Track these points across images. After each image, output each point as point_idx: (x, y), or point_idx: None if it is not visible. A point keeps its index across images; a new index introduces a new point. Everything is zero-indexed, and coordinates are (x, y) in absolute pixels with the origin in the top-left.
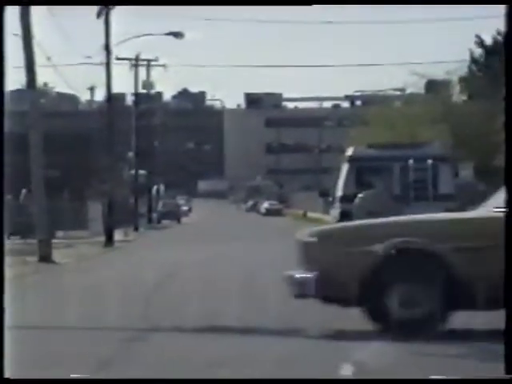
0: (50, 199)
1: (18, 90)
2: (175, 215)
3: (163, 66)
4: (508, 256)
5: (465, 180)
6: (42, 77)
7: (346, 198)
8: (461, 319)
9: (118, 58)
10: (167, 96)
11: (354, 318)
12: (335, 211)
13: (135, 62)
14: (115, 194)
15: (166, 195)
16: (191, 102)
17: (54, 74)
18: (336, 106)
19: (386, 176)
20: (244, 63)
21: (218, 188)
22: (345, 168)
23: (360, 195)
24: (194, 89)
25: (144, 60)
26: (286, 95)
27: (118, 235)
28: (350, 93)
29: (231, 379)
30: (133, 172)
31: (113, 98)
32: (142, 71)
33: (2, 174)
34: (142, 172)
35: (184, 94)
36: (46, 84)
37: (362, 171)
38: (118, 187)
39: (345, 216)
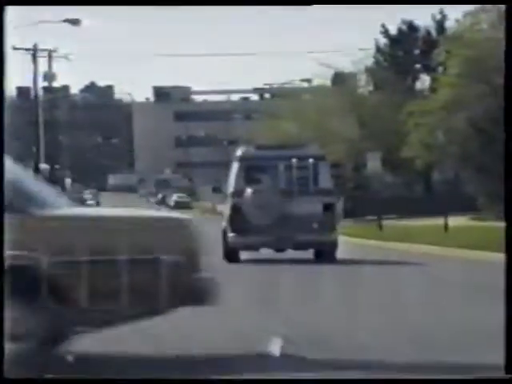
0: None
1: None
2: None
3: (65, 57)
4: (508, 256)
5: (373, 170)
6: None
7: (237, 194)
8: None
9: (15, 48)
10: (74, 90)
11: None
12: (227, 206)
13: (33, 52)
14: None
15: (71, 189)
16: (99, 96)
17: None
18: (245, 99)
19: (272, 173)
20: (151, 55)
21: (128, 182)
22: (235, 166)
23: (249, 190)
24: (101, 83)
25: (43, 50)
26: (194, 88)
27: None
28: (258, 86)
29: (231, 379)
30: (43, 166)
31: (18, 92)
32: (45, 63)
33: (2, 172)
34: (44, 166)
35: (91, 87)
36: None
37: (251, 169)
38: None
39: (236, 210)
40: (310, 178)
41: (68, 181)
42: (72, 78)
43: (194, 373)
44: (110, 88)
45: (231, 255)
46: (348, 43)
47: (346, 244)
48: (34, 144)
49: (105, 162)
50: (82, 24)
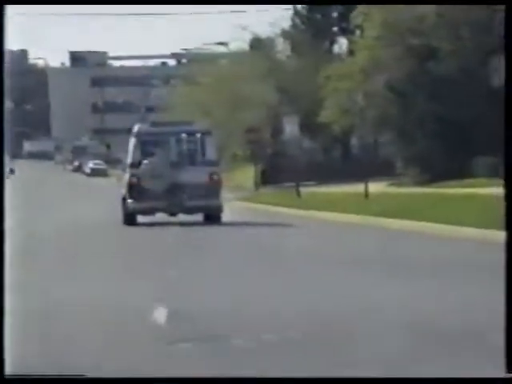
0: None
1: None
2: None
3: None
4: (508, 256)
5: (291, 135)
6: None
7: (134, 165)
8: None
9: None
10: None
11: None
12: (126, 175)
13: None
14: None
15: None
16: (12, 61)
17: None
18: (163, 64)
19: (165, 147)
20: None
21: (45, 149)
22: (132, 141)
23: (145, 161)
24: (14, 46)
25: None
26: (111, 53)
27: None
28: (176, 51)
29: (231, 378)
30: None
31: None
32: None
33: (2, 170)
34: None
35: (5, 52)
36: None
37: (146, 144)
38: None
39: (133, 179)
40: (197, 150)
41: None
42: None
43: None
44: (23, 52)
45: (129, 219)
46: (265, 5)
47: (265, 213)
48: None
49: (20, 128)
50: None
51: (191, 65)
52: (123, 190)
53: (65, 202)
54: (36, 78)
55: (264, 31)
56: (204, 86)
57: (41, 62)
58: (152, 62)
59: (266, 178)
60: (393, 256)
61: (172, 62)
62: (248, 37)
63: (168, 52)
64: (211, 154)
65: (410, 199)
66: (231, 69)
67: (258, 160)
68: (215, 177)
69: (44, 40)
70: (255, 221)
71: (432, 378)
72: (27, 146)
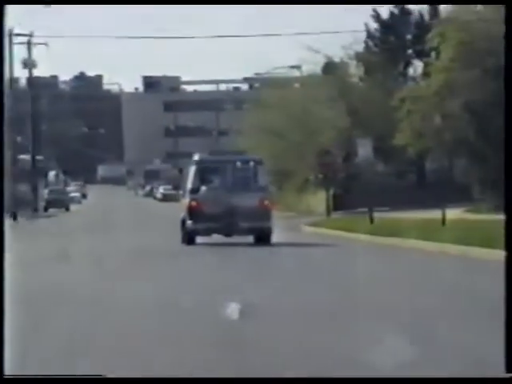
0: None
1: None
2: (63, 203)
3: (44, 44)
4: (508, 256)
5: (364, 158)
6: None
7: (194, 190)
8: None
9: None
10: (64, 79)
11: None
12: (186, 200)
13: (8, 37)
14: None
15: (55, 181)
16: (88, 86)
17: None
18: (235, 89)
19: (221, 175)
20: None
21: (117, 173)
22: (192, 169)
23: (203, 187)
24: (90, 72)
25: (19, 35)
26: (184, 78)
27: None
28: (248, 75)
29: (231, 379)
30: (22, 157)
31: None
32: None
33: (1, 172)
34: (24, 157)
35: (80, 78)
36: None
37: (204, 171)
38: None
39: (193, 203)
40: (250, 178)
41: (52, 173)
42: (60, 67)
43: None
44: (99, 78)
45: (188, 239)
46: (338, 27)
47: (337, 239)
48: (18, 135)
49: (94, 153)
50: (62, 9)
51: (263, 89)
52: (183, 213)
53: (131, 228)
54: (110, 103)
55: (336, 54)
56: (276, 110)
57: (115, 87)
58: (224, 87)
59: (338, 203)
60: (483, 289)
61: (244, 87)
62: (320, 59)
63: (240, 76)
64: (262, 181)
65: (489, 226)
66: (303, 92)
67: (330, 184)
68: (265, 202)
69: (119, 65)
70: (326, 247)
71: (432, 378)
72: (100, 171)
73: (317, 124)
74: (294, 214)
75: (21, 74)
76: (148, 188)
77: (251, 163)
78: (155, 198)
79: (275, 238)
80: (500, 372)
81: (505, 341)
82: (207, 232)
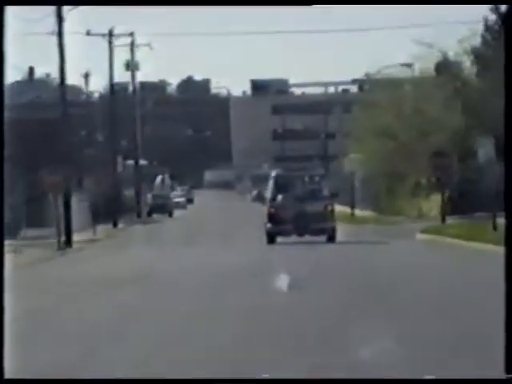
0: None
1: (17, 82)
2: (166, 208)
3: (148, 45)
4: (508, 255)
5: (485, 159)
6: (44, 68)
7: (272, 199)
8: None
9: (89, 34)
10: (173, 85)
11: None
12: (266, 207)
13: (109, 38)
14: (101, 186)
15: (161, 186)
16: (196, 90)
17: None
18: (344, 91)
19: (294, 186)
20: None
21: (225, 178)
22: (270, 182)
23: (279, 196)
24: (198, 76)
25: (120, 35)
26: (292, 81)
27: (86, 234)
28: (357, 76)
29: (231, 379)
30: (129, 162)
31: (115, 87)
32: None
33: (1, 173)
34: (129, 162)
35: (188, 82)
36: (48, 75)
37: (280, 184)
38: (105, 179)
39: (271, 209)
40: (315, 188)
41: (159, 178)
42: (164, 70)
43: None
44: (206, 82)
45: (269, 239)
46: (452, 20)
47: (457, 248)
48: (127, 139)
49: (201, 157)
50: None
51: (373, 90)
52: (265, 218)
53: (230, 235)
54: (218, 107)
55: (450, 49)
56: (386, 110)
57: (223, 91)
58: (332, 89)
59: (454, 208)
60: None
61: (353, 88)
62: (433, 55)
63: (349, 78)
64: (326, 191)
65: None
66: (415, 92)
67: (445, 187)
68: (329, 207)
69: (226, 68)
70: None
71: (432, 378)
72: (208, 176)
73: (430, 124)
74: (404, 219)
75: (127, 77)
76: (255, 192)
77: (316, 177)
78: (263, 202)
79: (390, 248)
80: (499, 373)
81: (505, 342)
82: (282, 233)
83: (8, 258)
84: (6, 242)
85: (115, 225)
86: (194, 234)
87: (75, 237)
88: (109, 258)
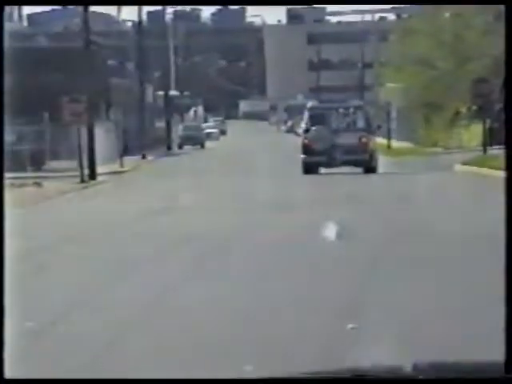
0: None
1: (53, 10)
2: (197, 139)
3: None
4: (508, 255)
5: None
6: None
7: (306, 131)
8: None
9: None
10: (206, 13)
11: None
12: (301, 138)
13: None
14: (129, 116)
15: (194, 117)
16: (231, 19)
17: None
18: (381, 19)
19: (328, 118)
20: None
21: (260, 108)
22: (305, 114)
23: (312, 128)
24: (233, 5)
25: None
26: (328, 9)
27: (112, 166)
28: (396, 4)
29: (231, 379)
30: (160, 93)
31: (149, 16)
32: None
33: (2, 171)
34: (174, 93)
35: (223, 11)
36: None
37: (315, 116)
38: (134, 109)
39: (305, 141)
40: (351, 120)
41: (192, 109)
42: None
43: None
44: (241, 10)
45: (305, 170)
46: None
47: (500, 181)
48: (157, 71)
49: (236, 88)
50: None
51: (411, 18)
52: (300, 150)
53: (259, 166)
54: (252, 36)
55: None
56: (424, 38)
57: (257, 20)
58: (370, 17)
59: (495, 138)
60: None
61: (391, 17)
62: None
63: (388, 6)
64: (361, 123)
65: None
66: (455, 19)
67: (486, 116)
68: (363, 139)
69: None
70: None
71: (432, 378)
72: (242, 106)
73: (470, 51)
74: (443, 150)
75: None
76: (290, 123)
77: (351, 109)
78: (296, 133)
79: (425, 178)
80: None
81: (505, 341)
82: (316, 164)
83: (26, 192)
84: (29, 175)
85: (144, 157)
86: (225, 165)
87: (101, 169)
88: (129, 191)
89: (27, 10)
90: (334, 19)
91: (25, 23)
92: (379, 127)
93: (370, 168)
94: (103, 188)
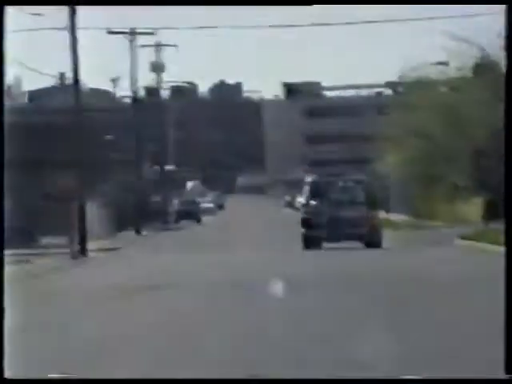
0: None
1: (50, 87)
2: (194, 215)
3: (174, 46)
4: (508, 255)
5: None
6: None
7: (306, 205)
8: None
9: (111, 32)
10: (204, 88)
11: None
12: (301, 213)
13: (130, 37)
14: (124, 191)
15: (190, 192)
16: (229, 94)
17: (86, 69)
18: (378, 94)
19: (329, 191)
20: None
21: (258, 182)
22: (305, 188)
23: (312, 202)
24: (230, 80)
25: (143, 33)
26: (324, 84)
27: (105, 242)
28: (391, 79)
29: (231, 379)
30: (156, 168)
31: (147, 92)
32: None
33: (2, 173)
34: (170, 167)
35: (220, 86)
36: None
37: (315, 190)
38: (130, 184)
39: (305, 215)
40: (351, 195)
41: (190, 183)
42: (199, 77)
43: None
44: (238, 85)
45: (305, 246)
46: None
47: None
48: (156, 144)
49: (235, 162)
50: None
51: (408, 91)
52: (300, 224)
53: (258, 243)
54: (250, 111)
55: (487, 44)
56: (422, 111)
57: (255, 95)
58: (366, 92)
59: (495, 212)
60: None
61: (387, 91)
62: (469, 51)
63: (382, 81)
64: (361, 196)
65: None
66: (453, 92)
67: (486, 190)
68: (364, 213)
69: (258, 72)
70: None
71: (432, 378)
72: (240, 181)
73: (469, 124)
74: (442, 224)
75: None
76: (288, 198)
77: (352, 183)
78: (294, 208)
79: (425, 254)
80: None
81: (504, 342)
82: (317, 239)
83: (16, 269)
84: (20, 252)
85: (138, 232)
86: (220, 240)
87: (93, 245)
88: (121, 267)
89: (27, 87)
90: (330, 94)
91: (25, 99)
92: (385, 202)
93: (372, 243)
94: (92, 265)
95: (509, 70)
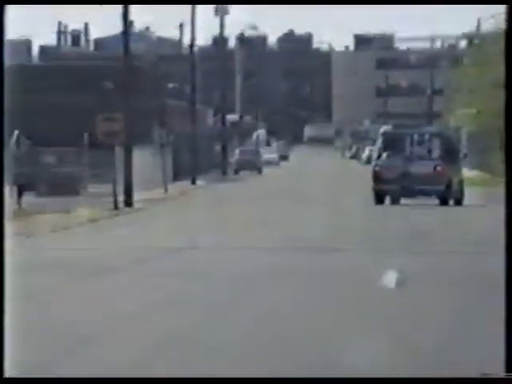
0: None
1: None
2: (254, 165)
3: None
4: (508, 256)
5: None
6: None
7: (378, 157)
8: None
9: None
10: (273, 38)
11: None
12: (373, 164)
13: None
14: (184, 140)
15: (257, 141)
16: (297, 45)
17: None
18: (451, 46)
19: (402, 144)
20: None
21: (325, 133)
22: (379, 140)
23: (384, 155)
24: (300, 30)
25: None
26: (397, 35)
27: (157, 191)
28: (466, 31)
29: (231, 379)
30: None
31: (217, 42)
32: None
33: (2, 168)
34: (234, 116)
35: (290, 36)
36: (147, 28)
37: (388, 142)
38: (188, 131)
39: (376, 168)
40: (425, 149)
41: (257, 132)
42: (269, 26)
43: None
44: (308, 36)
45: (376, 200)
46: None
47: None
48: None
49: (301, 112)
50: None
51: (484, 43)
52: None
53: (320, 198)
54: (319, 62)
55: None
56: (498, 63)
57: (325, 46)
58: (439, 44)
59: None
60: None
61: (462, 43)
62: None
63: (459, 32)
64: (437, 151)
65: None
66: None
67: None
68: (438, 168)
69: (329, 23)
70: None
71: (432, 378)
72: (307, 131)
73: None
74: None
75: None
76: (354, 149)
77: (427, 136)
78: (359, 160)
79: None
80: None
81: (505, 341)
82: (387, 194)
83: (47, 220)
84: (64, 200)
85: (194, 182)
86: (279, 194)
87: (143, 195)
88: (164, 222)
89: (94, 34)
90: (402, 46)
91: (91, 47)
92: (465, 156)
93: (450, 200)
94: (135, 217)
95: (509, 70)
